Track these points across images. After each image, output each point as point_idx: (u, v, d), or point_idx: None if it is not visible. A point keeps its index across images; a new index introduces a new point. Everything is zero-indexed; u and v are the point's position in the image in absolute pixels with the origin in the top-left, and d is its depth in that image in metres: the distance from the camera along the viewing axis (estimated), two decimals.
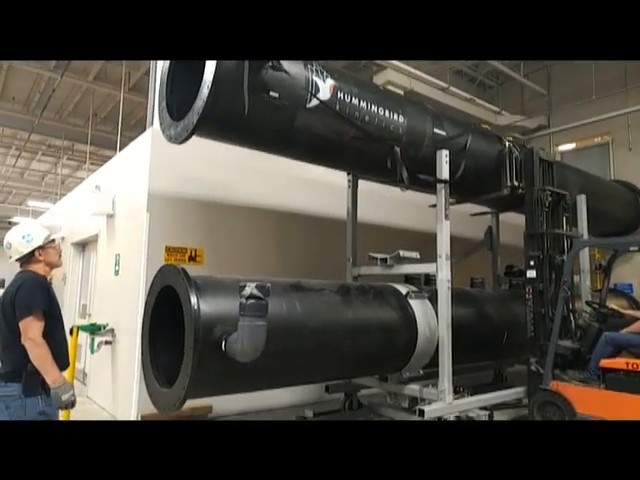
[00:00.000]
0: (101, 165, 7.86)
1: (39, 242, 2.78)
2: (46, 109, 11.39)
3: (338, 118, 3.89)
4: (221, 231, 5.47)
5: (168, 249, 5.05)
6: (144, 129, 5.72)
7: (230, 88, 3.26)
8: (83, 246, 7.88)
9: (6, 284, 2.89)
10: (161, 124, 3.76)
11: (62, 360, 2.69)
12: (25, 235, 2.76)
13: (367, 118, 4.09)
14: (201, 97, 3.26)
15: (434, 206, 4.87)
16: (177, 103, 3.69)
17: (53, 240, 2.90)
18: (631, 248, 5.34)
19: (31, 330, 2.51)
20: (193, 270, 3.52)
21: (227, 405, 5.15)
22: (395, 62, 7.86)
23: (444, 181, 4.70)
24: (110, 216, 6.06)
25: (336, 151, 4.24)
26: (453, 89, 9.01)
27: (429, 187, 4.85)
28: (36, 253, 2.78)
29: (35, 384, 2.53)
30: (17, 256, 2.76)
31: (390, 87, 8.01)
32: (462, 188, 5.18)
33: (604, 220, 7.15)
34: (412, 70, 8.22)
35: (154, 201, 5.03)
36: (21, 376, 2.53)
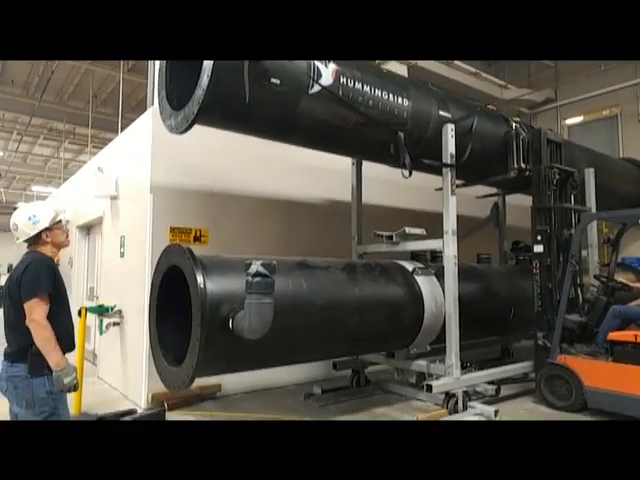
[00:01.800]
0: (103, 148, 7.81)
1: (45, 224, 2.74)
2: (46, 92, 11.28)
3: (341, 104, 3.81)
4: (226, 210, 5.44)
5: (173, 230, 5.03)
6: (145, 110, 5.65)
7: (230, 76, 3.17)
8: (88, 229, 7.89)
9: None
10: (161, 113, 3.69)
11: (67, 343, 2.68)
12: (31, 216, 2.72)
13: (371, 103, 4.00)
14: (201, 86, 3.17)
15: (440, 189, 4.80)
16: (177, 91, 3.60)
17: (60, 221, 2.85)
18: None
19: (35, 312, 2.50)
20: (198, 250, 3.50)
21: (235, 384, 5.20)
22: None
23: (450, 165, 4.61)
24: (114, 198, 6.03)
25: (339, 137, 4.17)
26: (458, 63, 8.81)
27: (435, 171, 4.78)
28: (43, 234, 2.74)
29: (40, 364, 2.51)
30: (24, 238, 2.73)
31: (393, 62, 7.85)
32: (468, 171, 5.10)
33: (612, 198, 7.06)
34: None
35: (157, 181, 5.00)
36: (27, 356, 2.53)
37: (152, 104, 5.32)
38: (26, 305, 2.52)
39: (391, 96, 4.17)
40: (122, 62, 9.87)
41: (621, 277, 5.45)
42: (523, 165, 5.23)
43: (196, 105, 3.24)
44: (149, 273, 4.52)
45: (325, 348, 4.21)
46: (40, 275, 2.58)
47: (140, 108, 10.86)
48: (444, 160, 4.63)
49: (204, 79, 3.15)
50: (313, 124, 3.87)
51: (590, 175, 6.28)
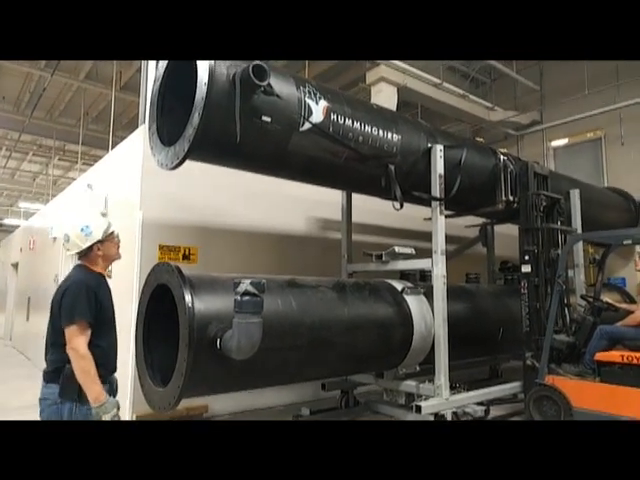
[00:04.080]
0: (93, 165, 7.79)
1: (98, 236, 2.62)
2: (36, 109, 11.29)
3: (332, 140, 3.86)
4: (216, 228, 5.43)
5: (161, 247, 5.00)
6: (136, 128, 5.67)
7: (221, 114, 3.20)
8: None
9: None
10: (151, 148, 3.69)
11: (107, 367, 2.56)
12: (84, 227, 2.58)
13: (361, 139, 4.05)
14: (192, 124, 3.19)
15: (429, 219, 4.85)
16: (168, 126, 3.61)
17: (112, 232, 2.73)
18: (624, 241, 5.36)
19: (74, 340, 2.37)
20: (187, 269, 3.48)
21: (222, 404, 5.11)
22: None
23: (439, 199, 4.67)
24: (103, 215, 6.00)
25: (330, 171, 4.21)
26: (446, 85, 9.00)
27: (426, 203, 4.84)
28: (95, 247, 2.62)
29: (72, 388, 2.37)
30: (75, 250, 2.60)
31: (383, 84, 8.02)
32: (458, 202, 5.18)
33: (601, 227, 7.20)
34: (405, 67, 8.20)
35: (147, 199, 4.99)
36: (59, 377, 2.40)
37: (144, 122, 5.34)
38: (66, 331, 2.40)
39: (381, 131, 4.22)
40: (114, 80, 9.93)
41: (607, 297, 5.50)
42: (511, 197, 5.34)
43: (187, 143, 3.24)
44: (137, 291, 4.47)
45: (314, 369, 4.17)
46: (79, 301, 2.44)
47: (132, 126, 10.89)
48: (433, 190, 4.68)
49: (195, 117, 3.16)
50: (304, 160, 3.91)
51: (575, 196, 6.39)
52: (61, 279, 8.17)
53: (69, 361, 2.37)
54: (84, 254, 2.63)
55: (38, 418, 2.46)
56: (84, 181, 6.96)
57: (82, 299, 2.45)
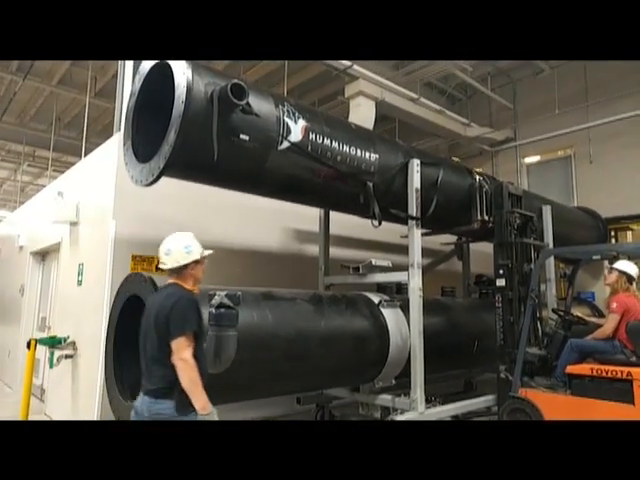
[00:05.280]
0: (64, 172, 7.58)
1: (196, 256, 2.72)
2: (6, 113, 10.95)
3: (310, 159, 3.87)
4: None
5: (135, 258, 4.88)
6: (111, 135, 5.54)
7: (198, 132, 3.16)
8: (43, 255, 7.55)
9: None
10: (126, 164, 3.62)
11: (203, 377, 2.60)
12: (187, 246, 2.69)
13: (339, 158, 4.07)
14: (168, 141, 3.14)
15: (406, 237, 4.89)
16: (144, 140, 3.55)
17: (205, 257, 2.83)
18: (594, 257, 5.52)
19: (183, 351, 2.44)
20: (161, 279, 3.39)
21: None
22: (367, 72, 7.94)
23: (415, 218, 4.72)
24: (73, 224, 5.82)
25: (309, 190, 4.22)
26: (423, 100, 9.15)
27: (403, 221, 4.88)
28: (189, 266, 2.71)
29: (188, 402, 2.44)
30: (173, 265, 2.68)
31: (362, 97, 8.09)
32: (434, 221, 5.24)
33: (571, 245, 7.41)
34: (383, 81, 8.30)
35: (121, 208, 4.86)
36: (172, 393, 2.45)
37: (119, 129, 5.24)
38: (173, 342, 2.46)
39: (359, 151, 4.25)
40: (89, 85, 9.73)
41: (577, 311, 5.63)
42: (486, 217, 5.44)
43: (162, 160, 3.19)
44: (108, 303, 4.33)
45: (289, 382, 4.11)
46: (189, 313, 2.55)
47: (106, 133, 10.68)
48: (410, 206, 4.72)
49: (171, 135, 3.11)
50: (282, 178, 3.90)
51: (547, 211, 6.55)
52: (27, 289, 7.87)
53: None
54: (177, 272, 2.71)
55: None
56: (54, 188, 6.76)
57: (192, 311, 2.58)
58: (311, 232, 5.84)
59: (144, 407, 2.50)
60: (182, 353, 2.43)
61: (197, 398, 2.43)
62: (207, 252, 2.82)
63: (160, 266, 2.75)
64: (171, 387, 2.46)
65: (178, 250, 2.68)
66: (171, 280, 2.74)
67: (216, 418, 2.50)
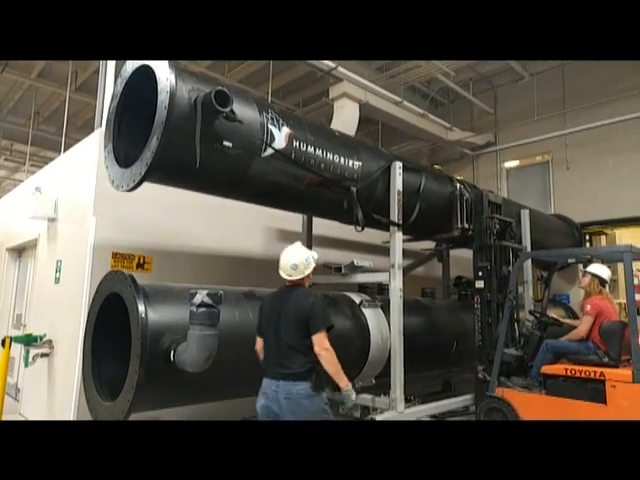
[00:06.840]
0: (43, 167, 7.43)
1: (314, 264, 3.28)
2: None
3: (294, 166, 3.88)
4: (172, 236, 5.29)
5: (115, 255, 4.82)
6: (92, 131, 5.46)
7: (181, 138, 3.12)
8: (19, 252, 7.39)
9: None
10: (107, 168, 3.55)
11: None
12: (307, 258, 3.23)
13: (323, 166, 4.09)
14: (150, 147, 3.09)
15: (387, 243, 4.94)
16: (125, 144, 3.49)
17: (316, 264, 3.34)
18: (569, 260, 5.66)
19: (326, 342, 2.97)
20: (141, 278, 3.37)
21: (174, 418, 4.93)
22: (351, 74, 7.99)
23: (397, 224, 4.76)
24: (52, 220, 5.72)
25: (292, 196, 4.23)
26: (406, 103, 9.24)
27: (385, 227, 4.93)
28: (309, 274, 3.26)
29: (322, 383, 3.01)
30: (299, 276, 3.19)
31: (346, 99, 8.14)
32: (415, 228, 5.30)
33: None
34: (367, 83, 8.37)
35: (101, 204, 4.79)
36: (310, 376, 2.96)
37: (100, 125, 5.17)
38: (316, 336, 2.96)
39: (342, 159, 4.28)
40: (69, 79, 9.55)
41: (553, 313, 5.77)
42: (467, 225, 5.53)
43: (144, 166, 3.13)
44: (86, 301, 4.27)
45: None
46: (327, 311, 3.14)
47: (86, 128, 10.48)
48: (392, 210, 4.77)
49: (154, 141, 3.06)
50: (265, 185, 3.90)
51: (525, 216, 6.69)
52: (3, 286, 7.70)
53: (318, 363, 2.95)
54: (298, 280, 3.22)
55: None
56: (32, 183, 6.62)
57: (327, 309, 3.16)
58: (294, 232, 5.84)
59: (280, 389, 2.94)
60: (325, 343, 2.96)
61: (341, 378, 3.02)
62: (316, 256, 3.33)
63: (288, 278, 3.22)
64: (309, 371, 2.96)
65: (302, 263, 3.19)
66: (289, 282, 3.24)
67: (354, 396, 3.17)
